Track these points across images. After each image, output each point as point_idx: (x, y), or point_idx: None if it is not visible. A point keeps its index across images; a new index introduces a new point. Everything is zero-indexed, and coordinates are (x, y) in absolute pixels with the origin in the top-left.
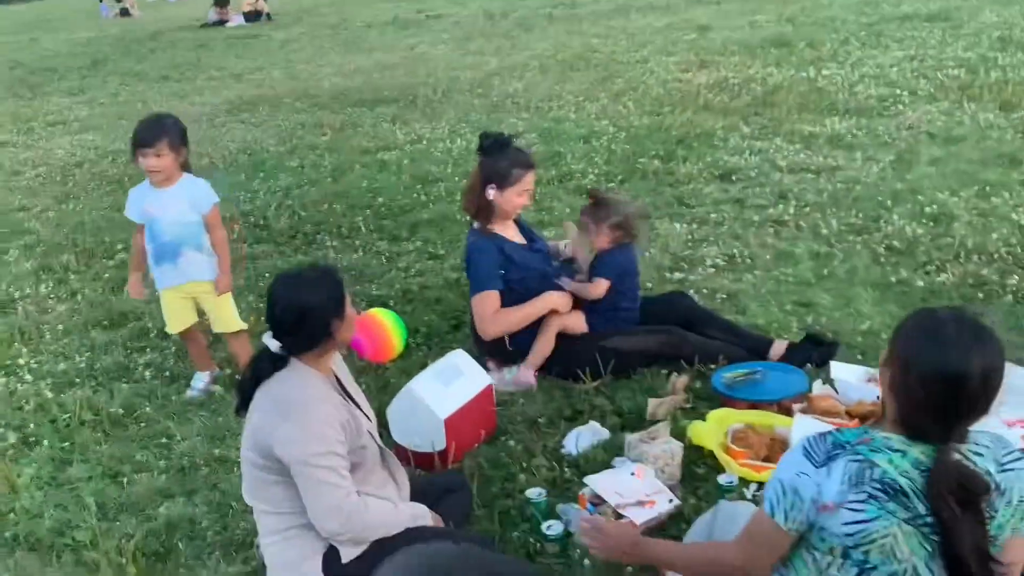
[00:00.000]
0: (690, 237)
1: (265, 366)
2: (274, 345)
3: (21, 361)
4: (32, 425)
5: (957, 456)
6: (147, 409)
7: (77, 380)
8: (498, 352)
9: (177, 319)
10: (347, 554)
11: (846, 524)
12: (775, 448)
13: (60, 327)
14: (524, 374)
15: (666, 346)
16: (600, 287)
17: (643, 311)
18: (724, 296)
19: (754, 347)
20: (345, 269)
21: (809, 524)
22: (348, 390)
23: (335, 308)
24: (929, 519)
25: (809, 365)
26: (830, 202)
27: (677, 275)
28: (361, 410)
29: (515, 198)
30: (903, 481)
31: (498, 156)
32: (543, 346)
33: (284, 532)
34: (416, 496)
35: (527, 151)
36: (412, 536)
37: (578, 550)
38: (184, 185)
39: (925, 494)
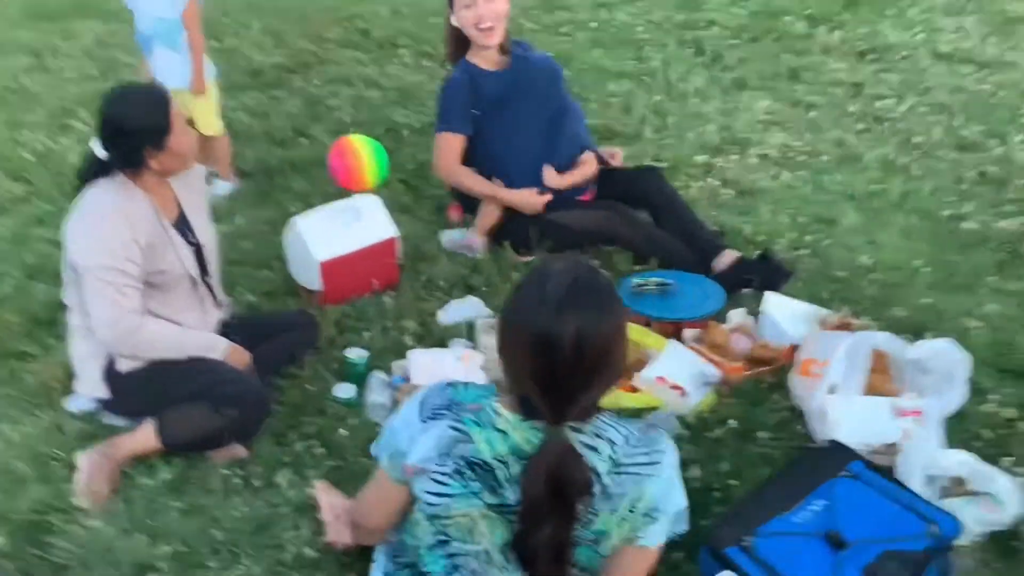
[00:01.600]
0: (766, 117)
1: (88, 170)
2: (101, 152)
3: None
4: None
5: (567, 444)
6: None
7: None
8: (462, 200)
9: None
10: (123, 364)
11: (428, 493)
12: (633, 362)
13: None
14: (470, 237)
15: (604, 225)
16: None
17: (608, 184)
18: (739, 191)
19: (704, 252)
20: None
21: (404, 479)
22: (185, 213)
23: (151, 136)
24: (516, 507)
25: (747, 289)
26: (961, 107)
27: (715, 159)
28: (188, 237)
29: (463, 11)
30: (496, 465)
31: None
32: (488, 214)
33: (79, 329)
34: (255, 327)
35: None
36: (192, 368)
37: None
38: None
39: (518, 481)
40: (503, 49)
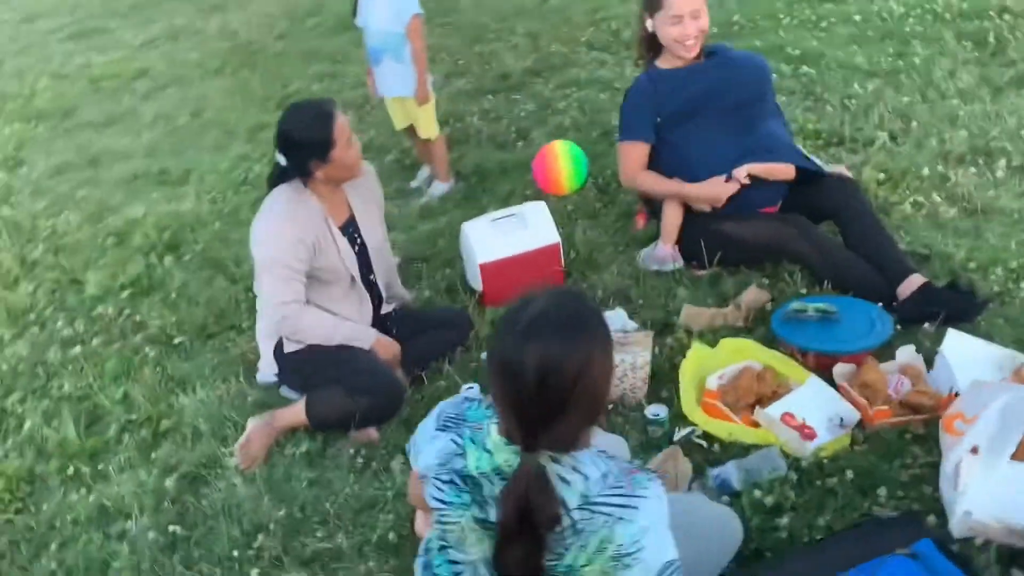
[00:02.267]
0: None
1: (272, 176)
2: (282, 161)
3: None
4: None
5: (537, 472)
6: None
7: None
8: (648, 206)
9: (397, 119)
10: (288, 346)
11: (432, 497)
12: (766, 391)
13: None
14: (661, 249)
15: (777, 238)
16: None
17: (795, 195)
18: (968, 210)
19: (889, 276)
20: None
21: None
22: (356, 216)
23: (317, 149)
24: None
25: (930, 324)
26: None
27: (952, 171)
28: (354, 239)
29: (668, 27)
30: (483, 481)
31: None
32: (670, 219)
33: (261, 313)
34: (415, 321)
35: None
36: (339, 355)
37: None
38: None
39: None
40: (697, 56)
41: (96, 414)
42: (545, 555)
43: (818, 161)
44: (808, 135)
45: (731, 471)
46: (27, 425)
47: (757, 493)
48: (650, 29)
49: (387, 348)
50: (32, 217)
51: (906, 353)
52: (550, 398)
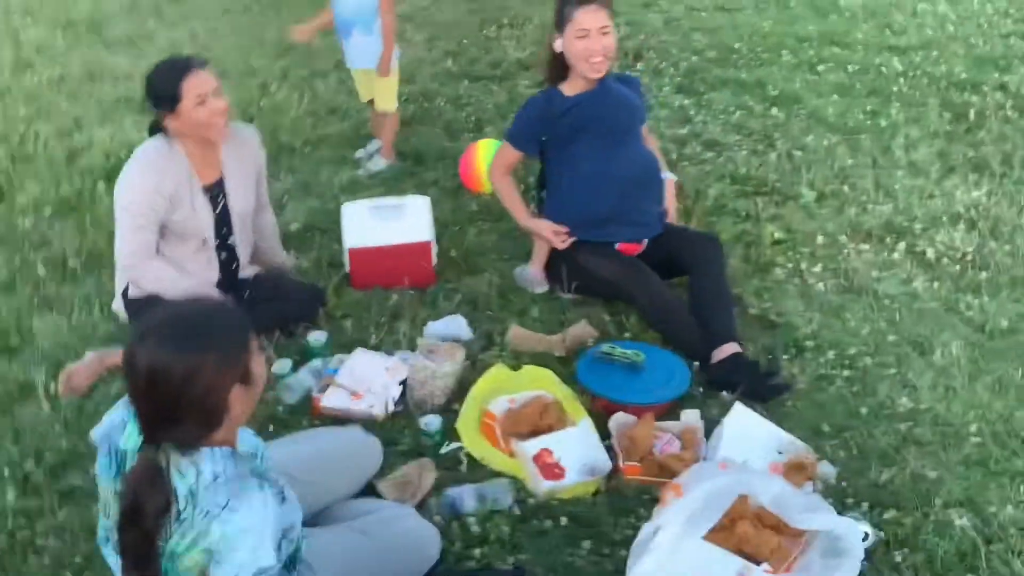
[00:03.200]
0: (964, 211)
1: (150, 128)
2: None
3: None
4: None
5: (151, 462)
6: None
7: None
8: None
9: (361, 90)
10: (132, 290)
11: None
12: (544, 424)
13: None
14: (531, 271)
15: (618, 279)
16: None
17: (662, 240)
18: (843, 288)
19: (711, 338)
20: None
21: None
22: (224, 178)
23: (165, 102)
24: None
25: (726, 392)
26: None
27: (851, 244)
28: (215, 200)
29: (574, 41)
30: (129, 459)
31: None
32: (541, 243)
33: None
34: (267, 289)
35: None
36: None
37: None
38: None
39: None
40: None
41: None
42: (157, 539)
43: (666, 173)
44: (737, 179)
45: (465, 494)
46: None
47: (470, 520)
48: (558, 49)
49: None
50: (10, 121)
51: (689, 416)
52: (159, 400)
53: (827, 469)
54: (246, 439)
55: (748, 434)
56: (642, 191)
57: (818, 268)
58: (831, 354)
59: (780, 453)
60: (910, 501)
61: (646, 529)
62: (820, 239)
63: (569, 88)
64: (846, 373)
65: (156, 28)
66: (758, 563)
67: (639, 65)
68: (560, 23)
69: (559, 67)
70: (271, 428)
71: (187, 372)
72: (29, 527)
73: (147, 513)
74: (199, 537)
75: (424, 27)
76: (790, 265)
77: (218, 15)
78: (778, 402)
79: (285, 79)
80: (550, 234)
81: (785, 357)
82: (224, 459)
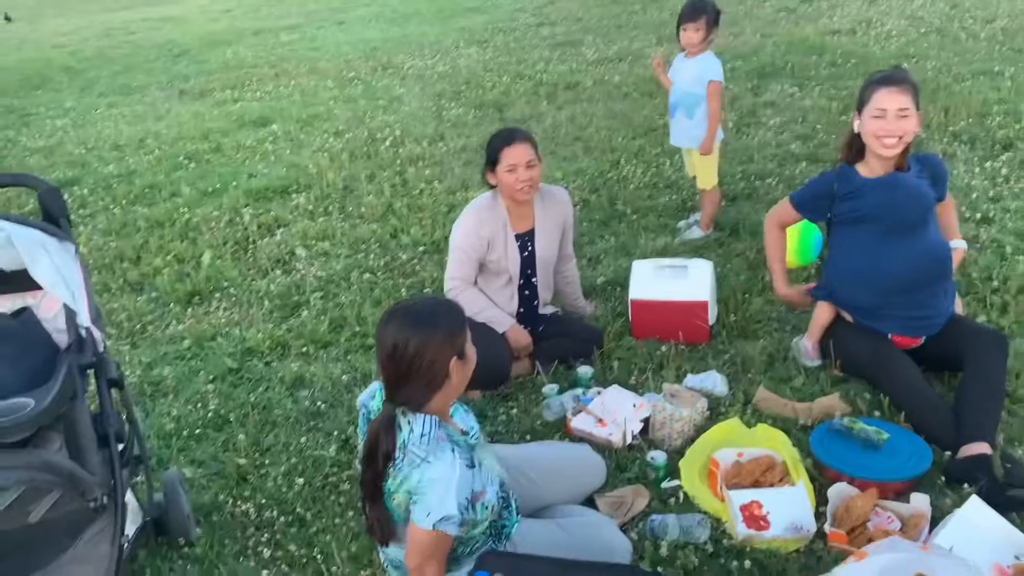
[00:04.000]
0: None
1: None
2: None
3: None
4: None
5: (388, 415)
6: None
7: None
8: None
9: (688, 165)
10: None
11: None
12: (766, 480)
13: None
14: (807, 342)
15: (872, 360)
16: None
17: (948, 331)
18: None
19: (962, 434)
20: None
21: None
22: (535, 229)
23: (488, 162)
24: None
25: (969, 486)
26: None
27: None
28: (524, 246)
29: (870, 121)
30: (373, 413)
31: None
32: (818, 317)
33: None
34: (560, 325)
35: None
36: (477, 326)
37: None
38: (701, 59)
39: None
40: (898, 164)
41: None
42: (383, 477)
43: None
44: None
45: (668, 521)
46: None
47: (664, 543)
48: (856, 129)
49: (518, 338)
50: (415, 180)
51: (919, 500)
52: (397, 366)
53: None
54: (466, 419)
55: (981, 530)
56: (922, 288)
57: None
58: None
59: (1018, 558)
60: None
61: None
62: None
63: (864, 169)
64: None
65: (547, 110)
66: None
67: (1004, 156)
68: (861, 103)
69: (856, 147)
70: (528, 437)
71: (419, 347)
72: (337, 475)
73: (380, 453)
74: (404, 480)
75: (783, 111)
76: None
77: (601, 99)
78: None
79: (638, 156)
80: (796, 298)
81: None
82: (432, 424)
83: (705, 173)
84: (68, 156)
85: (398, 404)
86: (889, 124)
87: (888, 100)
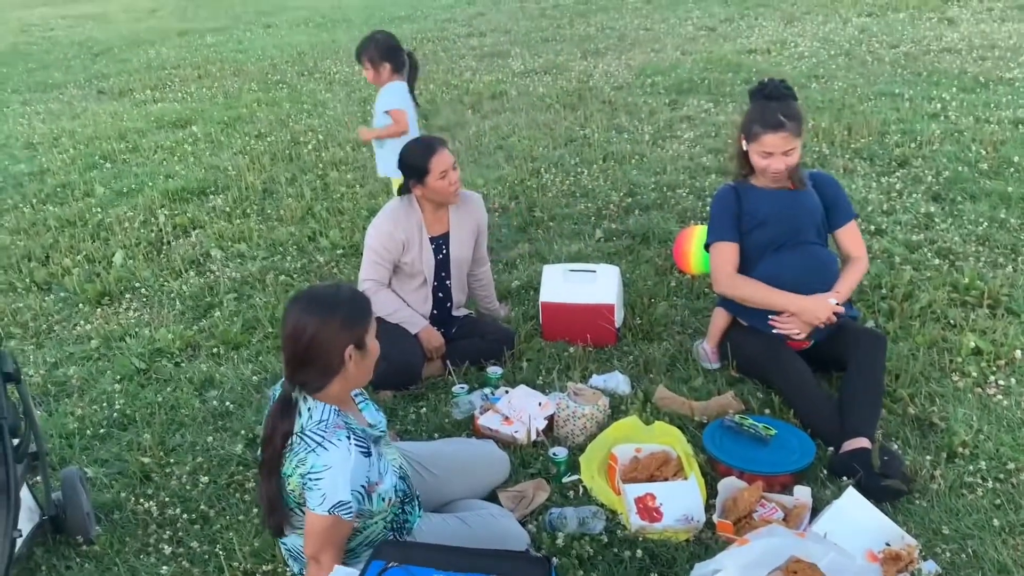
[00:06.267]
0: None
1: (400, 189)
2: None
3: None
4: None
5: (285, 397)
6: None
7: None
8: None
9: None
10: None
11: None
12: (662, 475)
13: None
14: (707, 346)
15: (765, 359)
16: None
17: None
18: None
19: (848, 429)
20: None
21: None
22: (450, 233)
23: (416, 173)
24: None
25: (848, 479)
26: None
27: None
28: (439, 249)
29: (757, 157)
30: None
31: (754, 105)
32: (716, 321)
33: None
34: (471, 327)
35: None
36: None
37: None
38: (382, 91)
39: None
40: (793, 183)
41: None
42: (281, 461)
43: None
44: (959, 288)
45: (566, 514)
46: None
47: (561, 535)
48: (744, 148)
49: (430, 339)
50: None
51: (801, 492)
52: (295, 348)
53: (929, 567)
54: (373, 414)
55: (855, 519)
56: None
57: (1011, 382)
58: (983, 464)
59: (888, 545)
60: None
61: (705, 567)
62: (1018, 354)
63: (758, 182)
64: (993, 485)
65: (471, 119)
66: None
67: (899, 172)
68: (748, 135)
69: (748, 163)
70: (437, 435)
71: (314, 331)
72: (243, 473)
73: (278, 434)
74: (299, 464)
75: (698, 126)
76: (976, 375)
77: (525, 109)
78: (907, 499)
79: (558, 165)
80: (826, 307)
81: (928, 457)
82: (330, 412)
83: None
84: None
85: (296, 385)
86: (776, 162)
87: (774, 144)
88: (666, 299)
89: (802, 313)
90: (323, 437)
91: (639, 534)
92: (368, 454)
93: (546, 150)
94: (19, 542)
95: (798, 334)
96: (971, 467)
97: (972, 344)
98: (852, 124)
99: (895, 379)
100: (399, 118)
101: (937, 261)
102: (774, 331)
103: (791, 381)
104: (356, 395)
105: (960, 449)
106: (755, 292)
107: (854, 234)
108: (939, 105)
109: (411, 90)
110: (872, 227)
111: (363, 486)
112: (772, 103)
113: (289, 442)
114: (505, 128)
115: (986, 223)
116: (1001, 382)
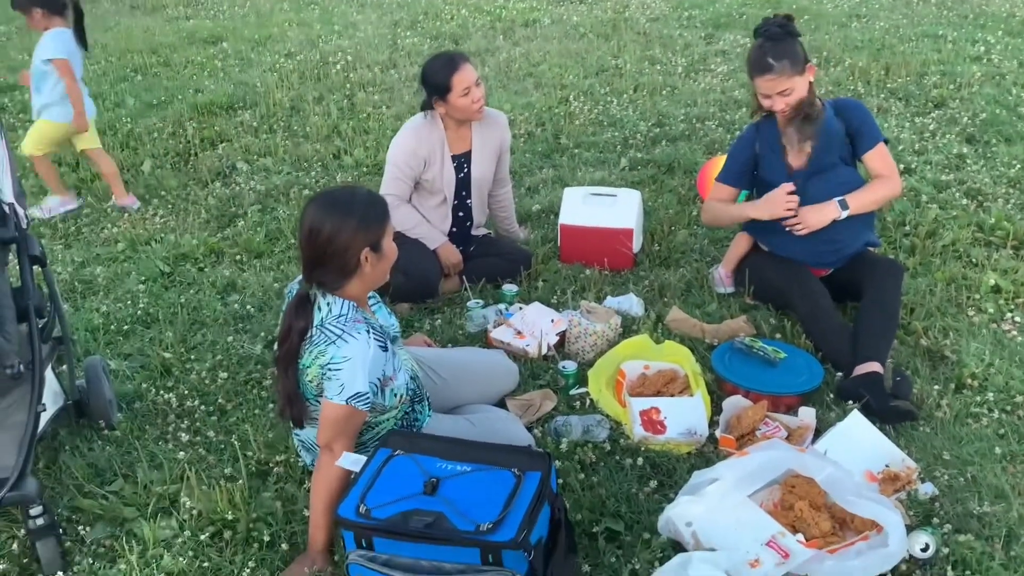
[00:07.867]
0: None
1: (422, 105)
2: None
3: None
4: None
5: (301, 294)
6: None
7: None
8: None
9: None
10: None
11: None
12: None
13: None
14: (722, 271)
15: (784, 283)
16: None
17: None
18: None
19: (860, 354)
20: None
21: None
22: (472, 151)
23: (438, 90)
24: None
25: (854, 403)
26: None
27: None
28: (460, 167)
29: (763, 99)
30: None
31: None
32: (733, 248)
33: None
34: (489, 245)
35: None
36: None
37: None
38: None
39: None
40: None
41: None
42: (298, 355)
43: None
44: (984, 228)
45: (571, 422)
46: None
47: (565, 441)
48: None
49: (448, 255)
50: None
51: (806, 413)
52: (313, 248)
53: (926, 488)
54: (386, 317)
55: (858, 441)
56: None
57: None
58: (991, 395)
59: (887, 466)
60: (996, 532)
61: (703, 475)
62: None
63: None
64: (999, 415)
65: (503, 45)
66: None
67: (934, 113)
68: (750, 74)
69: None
70: (450, 345)
71: (333, 231)
72: (261, 372)
73: (294, 331)
74: (319, 355)
75: (733, 60)
76: (992, 311)
77: (557, 38)
78: (911, 426)
79: (587, 94)
80: (778, 196)
81: (937, 387)
82: (349, 307)
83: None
84: (10, 61)
85: (313, 284)
86: (776, 103)
87: (766, 87)
88: (686, 227)
89: (760, 213)
90: (343, 330)
91: (641, 444)
92: (385, 348)
93: (576, 79)
94: (43, 417)
95: (799, 227)
96: (978, 398)
97: (992, 282)
98: (891, 64)
99: (910, 312)
100: (61, 68)
101: (965, 201)
102: (787, 230)
103: (809, 304)
104: (369, 298)
105: (969, 381)
106: (724, 211)
107: (883, 156)
108: (983, 48)
109: (79, 33)
110: (902, 166)
111: (379, 379)
112: (766, 44)
113: (308, 336)
114: (536, 55)
115: (1019, 165)
116: (1018, 319)
